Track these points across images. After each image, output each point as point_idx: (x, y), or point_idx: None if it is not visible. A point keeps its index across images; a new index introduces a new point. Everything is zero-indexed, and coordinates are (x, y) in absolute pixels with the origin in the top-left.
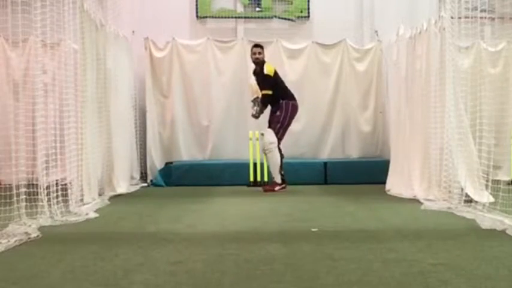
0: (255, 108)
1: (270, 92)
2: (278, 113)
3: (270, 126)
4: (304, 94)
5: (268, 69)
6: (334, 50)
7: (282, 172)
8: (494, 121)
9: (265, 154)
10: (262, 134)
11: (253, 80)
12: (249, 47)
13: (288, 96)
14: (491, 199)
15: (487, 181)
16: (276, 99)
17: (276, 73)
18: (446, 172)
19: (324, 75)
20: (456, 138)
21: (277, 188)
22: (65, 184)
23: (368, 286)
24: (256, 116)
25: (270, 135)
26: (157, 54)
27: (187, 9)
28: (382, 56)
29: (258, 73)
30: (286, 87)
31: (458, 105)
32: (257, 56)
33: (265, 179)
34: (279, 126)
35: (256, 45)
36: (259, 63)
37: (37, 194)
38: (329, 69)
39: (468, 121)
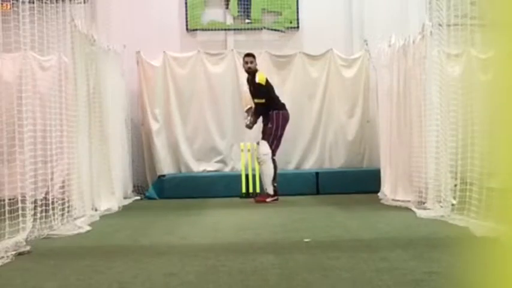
0: (249, 118)
1: (262, 101)
2: (270, 125)
3: (263, 138)
4: (294, 103)
5: (260, 78)
6: (322, 60)
7: (275, 184)
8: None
9: (260, 165)
10: (258, 144)
11: (246, 89)
12: (239, 59)
13: (278, 106)
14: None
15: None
16: (266, 109)
17: (267, 82)
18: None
19: (312, 85)
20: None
21: (268, 199)
22: (58, 198)
23: None
24: (249, 127)
25: (264, 147)
26: (149, 67)
27: (177, 23)
28: (370, 65)
29: (251, 82)
30: (277, 96)
31: (442, 113)
32: (249, 65)
33: (257, 190)
34: (272, 137)
35: (248, 55)
36: (251, 72)
37: (30, 209)
38: (317, 79)
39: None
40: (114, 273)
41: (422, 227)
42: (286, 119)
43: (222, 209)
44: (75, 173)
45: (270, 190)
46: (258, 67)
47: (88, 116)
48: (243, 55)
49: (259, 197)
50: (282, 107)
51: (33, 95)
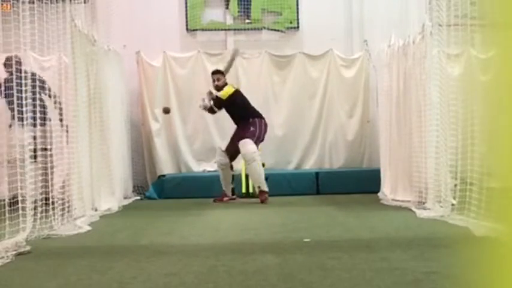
0: (206, 101)
1: (215, 110)
2: (253, 129)
3: (245, 137)
4: (294, 103)
5: (222, 93)
6: (322, 60)
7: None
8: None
9: (249, 164)
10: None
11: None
12: (238, 59)
13: (258, 114)
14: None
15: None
16: (245, 117)
17: (233, 95)
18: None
19: (312, 85)
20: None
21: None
22: (58, 198)
23: None
24: (204, 107)
25: (250, 145)
26: (149, 67)
27: (177, 23)
28: (370, 65)
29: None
30: (253, 107)
31: (442, 114)
32: (216, 83)
33: (256, 190)
34: (255, 139)
35: (213, 73)
36: (219, 90)
37: (30, 209)
38: (317, 79)
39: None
40: (114, 273)
41: (422, 227)
42: (266, 127)
43: (222, 209)
44: (75, 173)
45: (264, 187)
46: (256, 68)
47: (88, 116)
48: (233, 51)
49: (261, 197)
50: (261, 115)
51: (33, 95)
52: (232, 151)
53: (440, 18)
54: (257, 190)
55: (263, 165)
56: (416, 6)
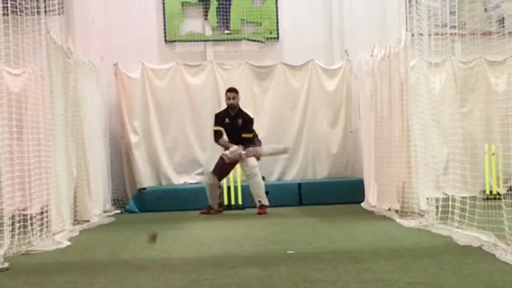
0: (229, 153)
1: (250, 135)
2: (256, 146)
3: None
4: (276, 114)
5: (250, 114)
6: (303, 70)
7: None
8: (469, 137)
9: (251, 179)
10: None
11: (228, 151)
12: (218, 70)
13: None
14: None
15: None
16: (252, 141)
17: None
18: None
19: (293, 95)
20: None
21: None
22: (37, 213)
23: None
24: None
25: (252, 159)
26: (127, 79)
27: (155, 34)
28: (351, 75)
29: (237, 116)
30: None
31: (425, 122)
32: (231, 101)
33: (240, 202)
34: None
35: (231, 90)
36: (233, 108)
37: (8, 225)
38: (298, 89)
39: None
40: None
41: (406, 236)
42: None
43: (204, 221)
44: (53, 188)
45: (265, 201)
46: (236, 79)
47: (65, 130)
48: (226, 89)
49: (260, 210)
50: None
51: (9, 108)
52: (220, 173)
53: (421, 27)
54: (257, 204)
55: (263, 178)
56: (397, 16)
